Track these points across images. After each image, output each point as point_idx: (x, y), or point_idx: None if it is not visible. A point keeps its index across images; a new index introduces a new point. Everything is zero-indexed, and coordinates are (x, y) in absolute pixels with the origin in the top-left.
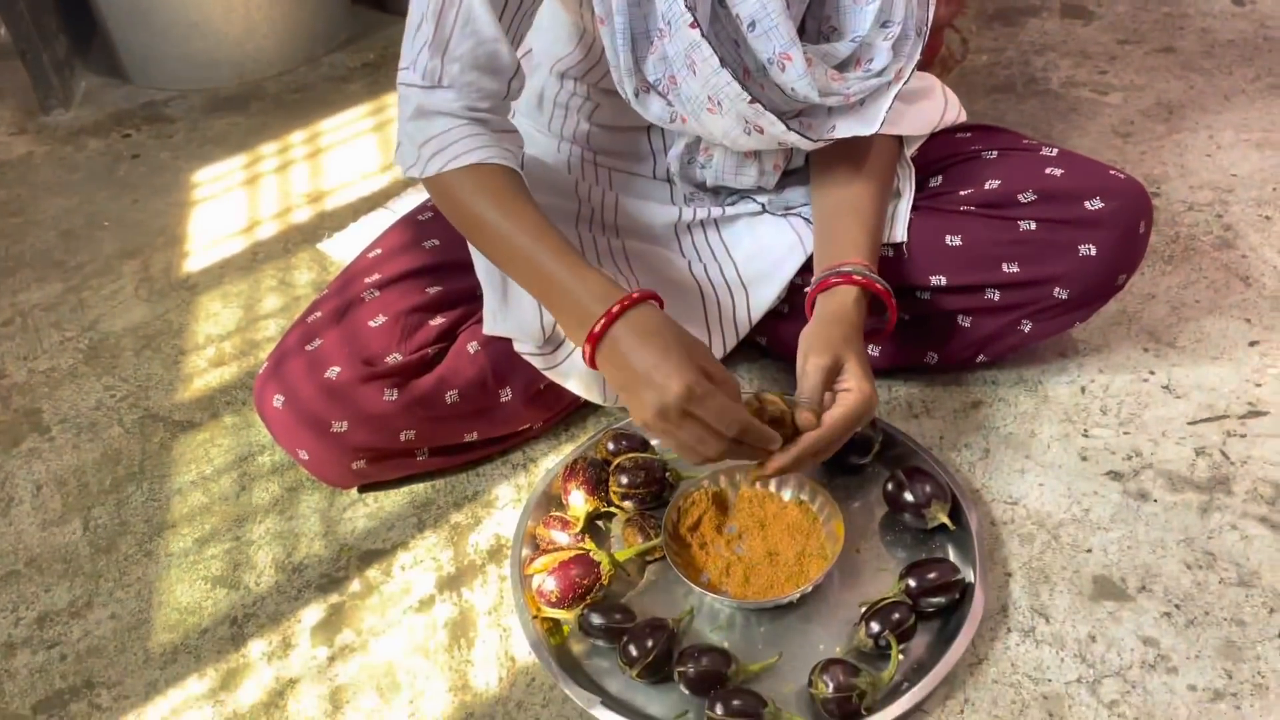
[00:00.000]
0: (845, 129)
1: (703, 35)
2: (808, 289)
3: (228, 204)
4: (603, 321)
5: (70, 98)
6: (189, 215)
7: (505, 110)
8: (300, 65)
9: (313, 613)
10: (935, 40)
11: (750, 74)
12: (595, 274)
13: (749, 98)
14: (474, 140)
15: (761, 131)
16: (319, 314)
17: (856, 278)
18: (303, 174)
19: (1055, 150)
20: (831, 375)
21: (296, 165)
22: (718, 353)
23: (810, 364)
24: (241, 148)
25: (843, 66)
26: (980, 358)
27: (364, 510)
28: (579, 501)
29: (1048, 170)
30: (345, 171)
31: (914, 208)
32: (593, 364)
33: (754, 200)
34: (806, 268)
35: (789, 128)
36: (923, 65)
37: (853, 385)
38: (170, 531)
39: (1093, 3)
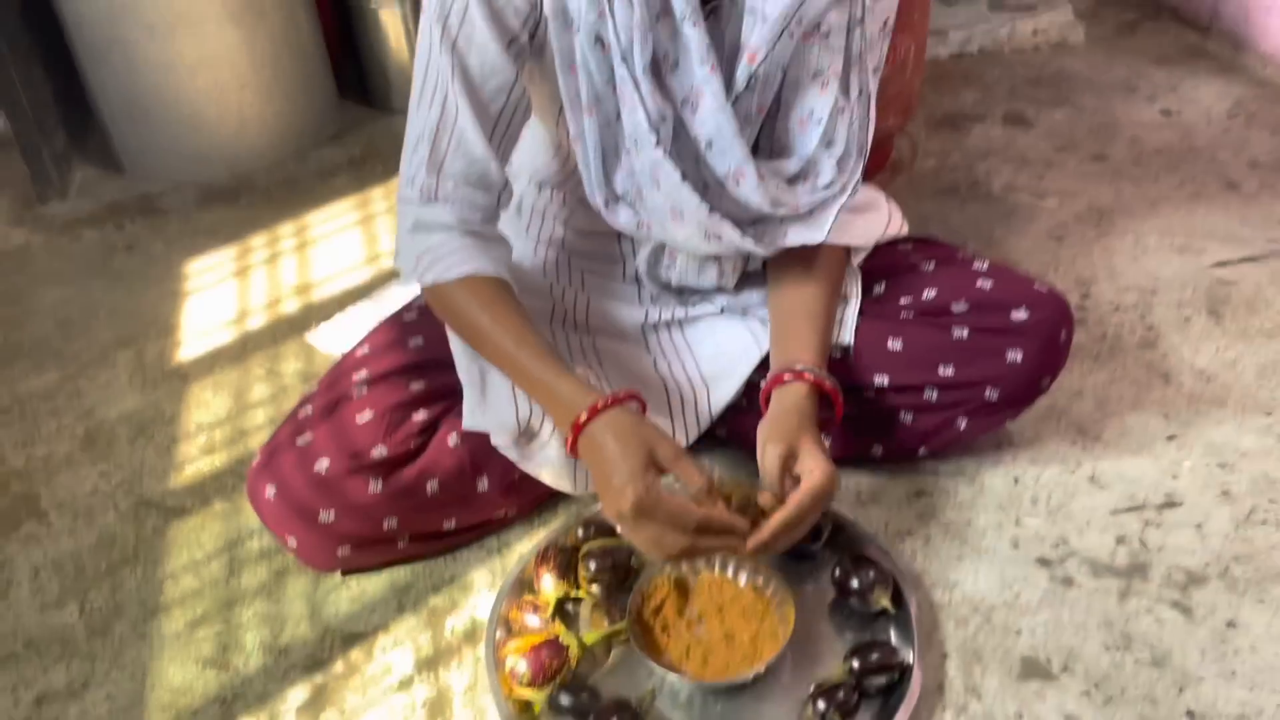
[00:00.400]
0: (796, 237)
1: (665, 154)
2: (763, 384)
3: (219, 294)
4: (583, 417)
5: (67, 189)
6: (181, 305)
7: (495, 219)
8: (289, 159)
9: (298, 693)
10: (886, 147)
11: (709, 187)
12: (570, 378)
13: (709, 208)
14: (465, 253)
15: (720, 238)
16: (310, 409)
17: (808, 375)
18: (291, 265)
19: (986, 264)
20: (789, 461)
21: (285, 257)
22: (681, 444)
23: (768, 453)
24: (232, 239)
25: (793, 181)
26: (922, 450)
27: (347, 594)
28: (549, 586)
29: (978, 283)
30: (331, 263)
31: (860, 313)
32: (573, 447)
33: (714, 302)
34: (763, 366)
35: (745, 234)
36: (875, 170)
37: (812, 465)
38: (163, 614)
39: (1032, 111)
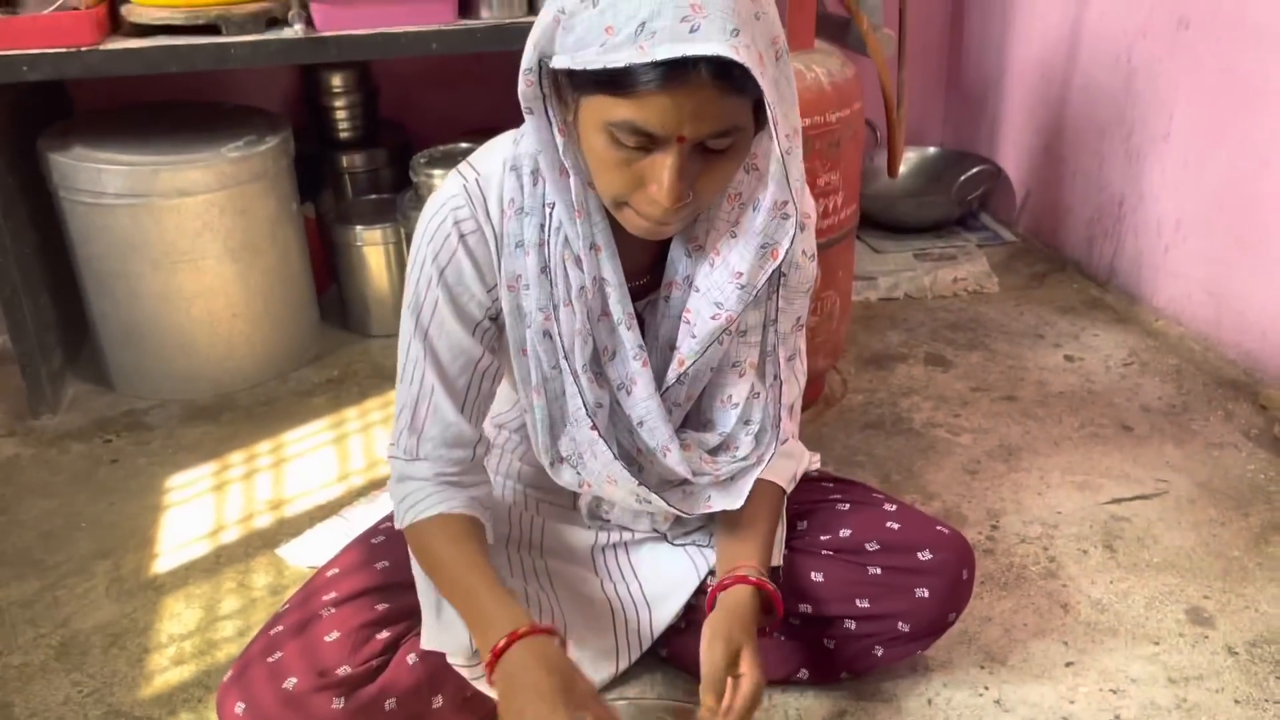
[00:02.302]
0: (717, 503)
1: (600, 435)
2: (705, 602)
3: (196, 508)
4: (501, 643)
5: (58, 404)
6: (160, 519)
7: (473, 470)
8: (270, 379)
9: None
10: (819, 383)
11: (642, 452)
12: (515, 606)
13: (636, 482)
14: (438, 496)
15: (649, 502)
16: (281, 628)
17: (751, 578)
18: (266, 481)
19: (895, 506)
20: (732, 660)
21: (261, 473)
22: (624, 663)
23: (715, 649)
24: (212, 455)
25: (715, 451)
26: (844, 675)
27: None
28: None
29: (888, 524)
30: (304, 480)
31: (788, 547)
32: (489, 676)
33: (656, 530)
34: (700, 591)
35: (669, 504)
36: (808, 404)
37: (748, 668)
38: None
39: (951, 353)
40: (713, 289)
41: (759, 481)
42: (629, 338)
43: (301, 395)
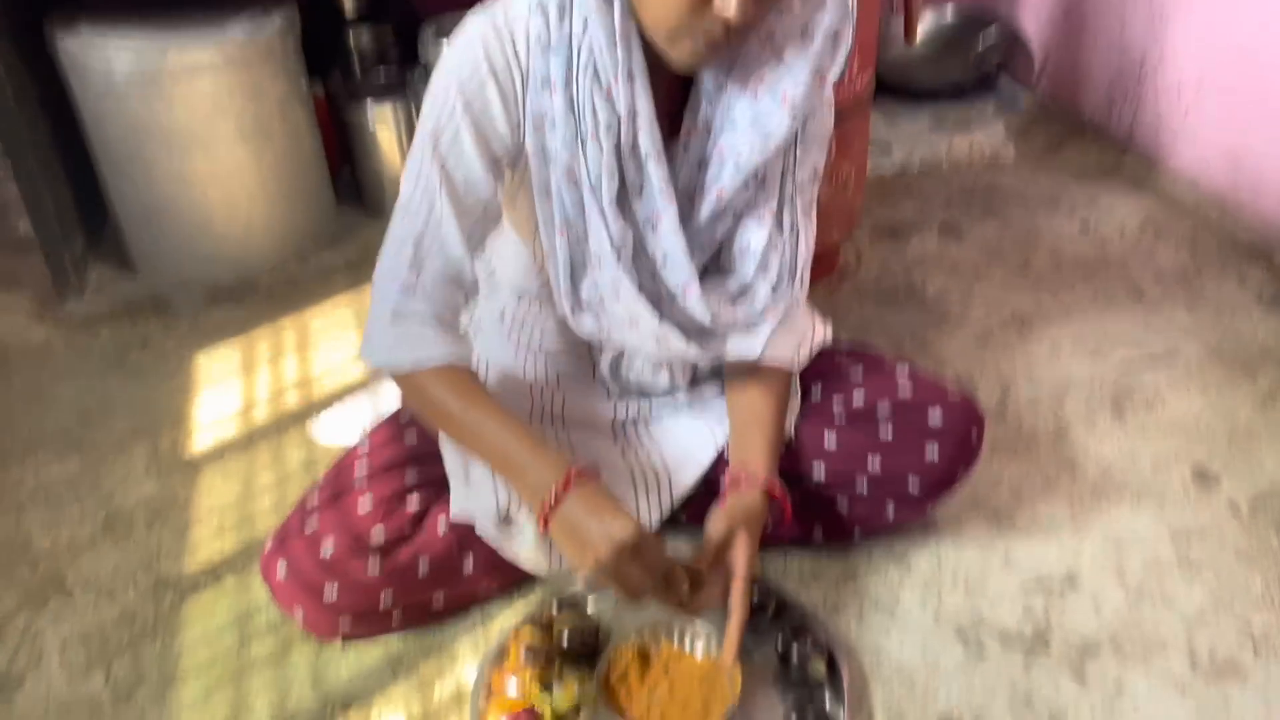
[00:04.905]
0: (734, 349)
1: (625, 271)
2: (724, 477)
3: (226, 388)
4: (555, 490)
5: (83, 288)
6: (192, 399)
7: (459, 316)
8: (290, 261)
9: None
10: (834, 256)
11: (662, 298)
12: (551, 451)
13: (659, 318)
14: (441, 346)
15: (669, 345)
16: (316, 499)
17: (762, 482)
18: (292, 362)
19: (906, 370)
20: (728, 542)
21: (287, 353)
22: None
23: (714, 530)
24: (238, 337)
25: (733, 300)
26: (857, 534)
27: (347, 664)
28: (514, 691)
29: (900, 389)
30: (330, 359)
31: (801, 413)
32: (544, 525)
33: (676, 399)
34: (718, 458)
35: (690, 343)
36: (823, 276)
37: (740, 557)
38: (181, 683)
39: (965, 223)
40: (760, 118)
41: (764, 371)
42: (657, 171)
43: (322, 277)
